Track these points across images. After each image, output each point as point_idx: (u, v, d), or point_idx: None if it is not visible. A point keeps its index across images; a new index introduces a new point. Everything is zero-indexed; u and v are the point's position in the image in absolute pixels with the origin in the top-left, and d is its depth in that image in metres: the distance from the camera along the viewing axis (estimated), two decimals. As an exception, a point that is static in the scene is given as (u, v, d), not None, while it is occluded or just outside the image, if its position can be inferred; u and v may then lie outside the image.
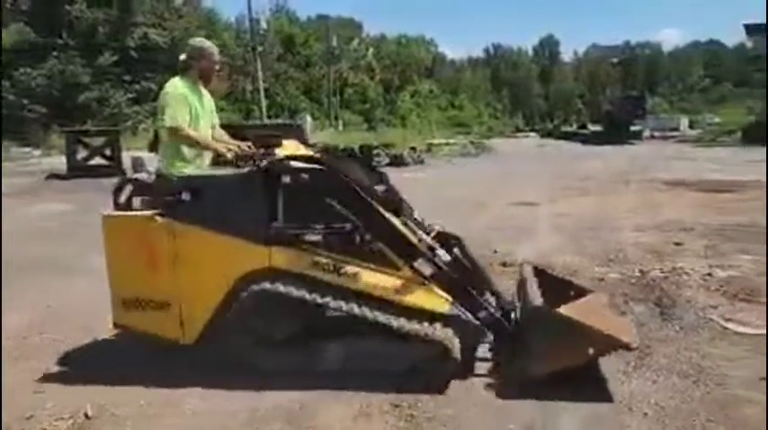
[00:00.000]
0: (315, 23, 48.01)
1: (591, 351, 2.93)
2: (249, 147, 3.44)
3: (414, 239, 3.26)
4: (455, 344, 3.00)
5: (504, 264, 5.31)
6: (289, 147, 3.54)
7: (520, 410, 2.81)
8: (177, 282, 3.19)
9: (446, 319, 3.07)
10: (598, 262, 5.59)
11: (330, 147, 12.55)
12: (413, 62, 54.59)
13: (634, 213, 8.37)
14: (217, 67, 3.69)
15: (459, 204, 9.11)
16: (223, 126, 3.87)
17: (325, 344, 3.16)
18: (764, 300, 4.31)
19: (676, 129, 39.22)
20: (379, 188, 3.58)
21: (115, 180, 3.69)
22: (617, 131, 30.26)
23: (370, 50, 51.64)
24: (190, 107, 3.43)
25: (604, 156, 20.81)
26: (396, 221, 3.27)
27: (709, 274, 5.00)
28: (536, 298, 3.20)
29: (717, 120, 40.61)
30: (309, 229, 3.18)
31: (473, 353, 3.31)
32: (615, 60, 70.77)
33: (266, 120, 26.95)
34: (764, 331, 3.70)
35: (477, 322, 3.14)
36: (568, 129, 39.88)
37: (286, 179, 3.17)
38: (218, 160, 3.50)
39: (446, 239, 3.62)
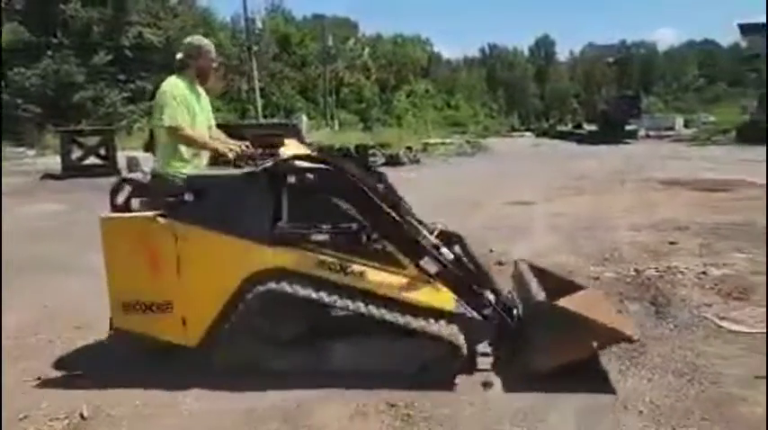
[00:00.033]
0: (310, 23, 47.82)
1: (595, 344, 2.96)
2: (247, 146, 3.43)
3: (419, 238, 3.27)
4: (461, 342, 3.03)
5: (500, 263, 5.31)
6: (290, 147, 3.54)
7: (517, 410, 2.82)
8: (180, 284, 3.15)
9: (452, 317, 3.09)
10: (593, 261, 5.61)
11: (326, 147, 12.56)
12: (409, 62, 54.49)
13: (629, 212, 8.39)
14: (214, 65, 3.67)
15: (455, 203, 9.11)
16: (219, 125, 3.85)
17: (331, 344, 3.16)
18: (758, 298, 4.33)
19: (671, 129, 39.22)
20: (379, 188, 3.59)
21: (110, 180, 3.67)
22: (612, 131, 30.24)
23: (366, 50, 51.52)
24: (188, 106, 3.41)
25: (600, 155, 20.82)
26: (401, 220, 3.28)
27: (704, 273, 5.03)
28: (538, 293, 3.22)
29: (711, 119, 40.63)
30: (315, 229, 3.18)
31: (473, 350, 3.32)
32: (611, 60, 71.04)
33: (262, 120, 26.87)
34: (758, 329, 3.73)
35: (482, 319, 3.16)
36: (564, 128, 39.89)
37: (291, 179, 3.17)
38: (217, 160, 3.48)
39: (448, 238, 3.62)
